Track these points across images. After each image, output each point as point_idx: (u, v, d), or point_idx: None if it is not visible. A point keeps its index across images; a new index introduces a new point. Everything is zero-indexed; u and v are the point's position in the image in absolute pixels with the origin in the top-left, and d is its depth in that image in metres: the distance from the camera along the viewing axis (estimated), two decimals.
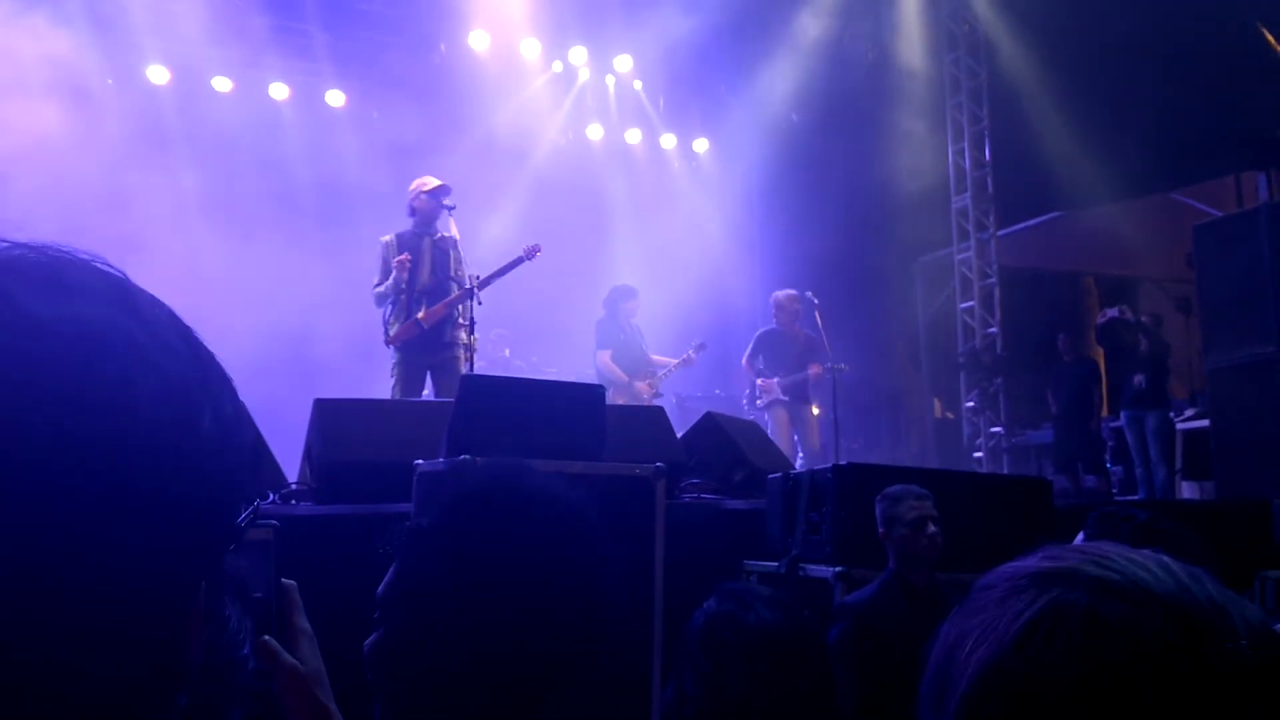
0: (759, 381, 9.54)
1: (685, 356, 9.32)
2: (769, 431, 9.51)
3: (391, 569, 1.35)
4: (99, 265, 0.62)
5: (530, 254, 7.44)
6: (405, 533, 1.37)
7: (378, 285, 7.37)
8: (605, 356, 9.14)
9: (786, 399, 9.32)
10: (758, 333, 9.84)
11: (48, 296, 0.57)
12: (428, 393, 7.43)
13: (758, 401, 9.59)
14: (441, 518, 1.35)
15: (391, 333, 7.25)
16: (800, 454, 9.25)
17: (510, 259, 7.42)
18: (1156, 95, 10.09)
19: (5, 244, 0.60)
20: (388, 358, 7.46)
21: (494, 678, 1.27)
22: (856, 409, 10.37)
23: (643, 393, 8.91)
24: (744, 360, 9.87)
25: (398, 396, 7.20)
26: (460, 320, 7.23)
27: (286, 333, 10.04)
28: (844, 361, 9.44)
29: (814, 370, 9.29)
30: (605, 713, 1.41)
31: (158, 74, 11.09)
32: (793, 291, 9.62)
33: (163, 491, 0.57)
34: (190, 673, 0.62)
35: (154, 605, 0.58)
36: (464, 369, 7.14)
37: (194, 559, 0.61)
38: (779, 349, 9.51)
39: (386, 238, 7.47)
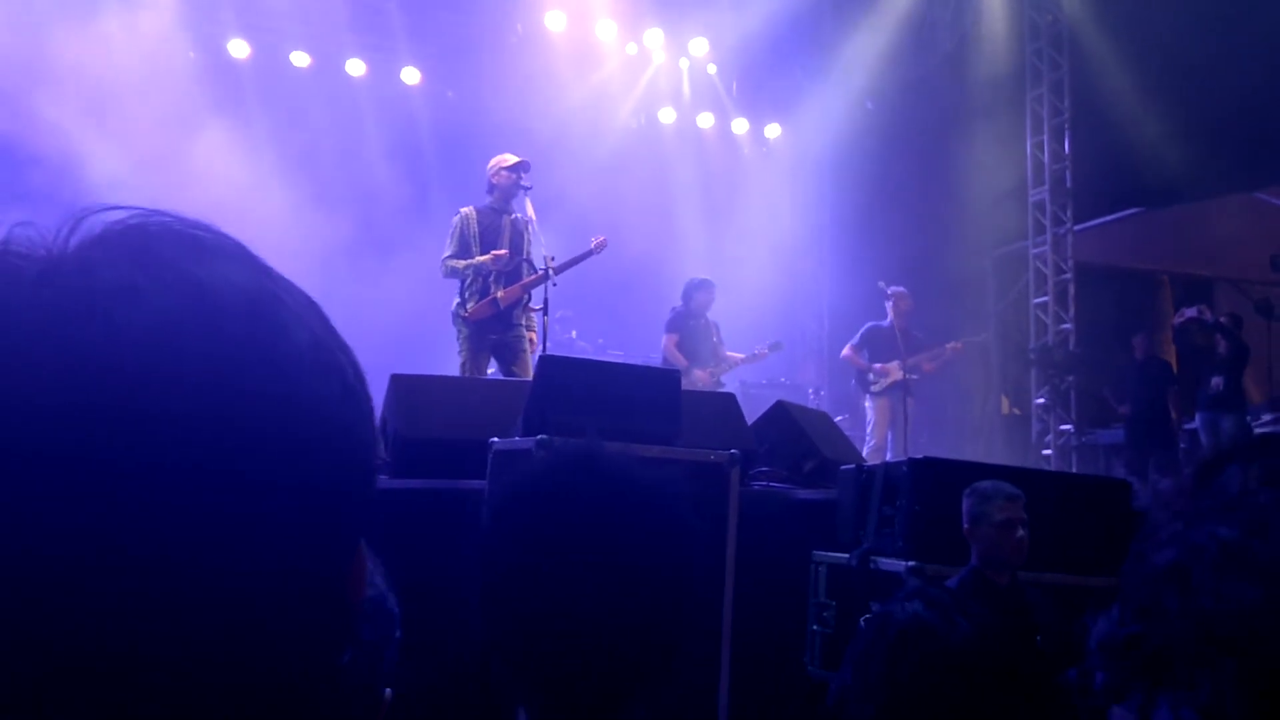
0: (877, 366, 9.54)
1: (754, 353, 9.34)
2: (868, 421, 9.58)
3: (481, 542, 1.37)
4: (224, 232, 0.63)
5: (599, 248, 7.58)
6: (489, 509, 1.38)
7: (450, 257, 7.42)
8: (670, 341, 9.18)
9: (900, 380, 9.31)
10: (866, 326, 9.84)
11: (203, 261, 0.58)
12: (493, 370, 7.52)
13: (872, 387, 9.60)
14: (527, 496, 1.36)
15: (469, 309, 7.31)
16: (889, 451, 9.25)
17: (581, 251, 7.55)
18: (1243, 91, 9.83)
19: (145, 212, 0.61)
20: (454, 332, 7.53)
21: (589, 658, 1.28)
22: (924, 402, 10.27)
23: (700, 381, 8.92)
24: (848, 350, 9.89)
25: (466, 371, 7.30)
26: (530, 305, 7.33)
27: (359, 307, 10.14)
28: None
29: (953, 346, 9.57)
30: (676, 697, 1.41)
31: (238, 48, 11.25)
32: (903, 288, 9.64)
33: (330, 443, 0.59)
34: (355, 629, 0.64)
35: (327, 560, 0.59)
36: (535, 350, 7.21)
37: (355, 512, 0.62)
38: (887, 344, 9.51)
39: (466, 210, 7.53)
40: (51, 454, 0.51)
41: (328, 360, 0.60)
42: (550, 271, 7.11)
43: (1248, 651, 0.43)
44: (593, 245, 7.62)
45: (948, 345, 9.59)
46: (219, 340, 0.55)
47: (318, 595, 0.59)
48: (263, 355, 0.56)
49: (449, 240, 7.48)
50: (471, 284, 7.38)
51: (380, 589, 1.01)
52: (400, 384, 4.86)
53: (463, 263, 7.36)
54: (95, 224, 0.59)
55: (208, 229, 0.62)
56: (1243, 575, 0.43)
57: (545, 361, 4.49)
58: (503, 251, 7.32)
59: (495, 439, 4.17)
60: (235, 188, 10.32)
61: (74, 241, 0.57)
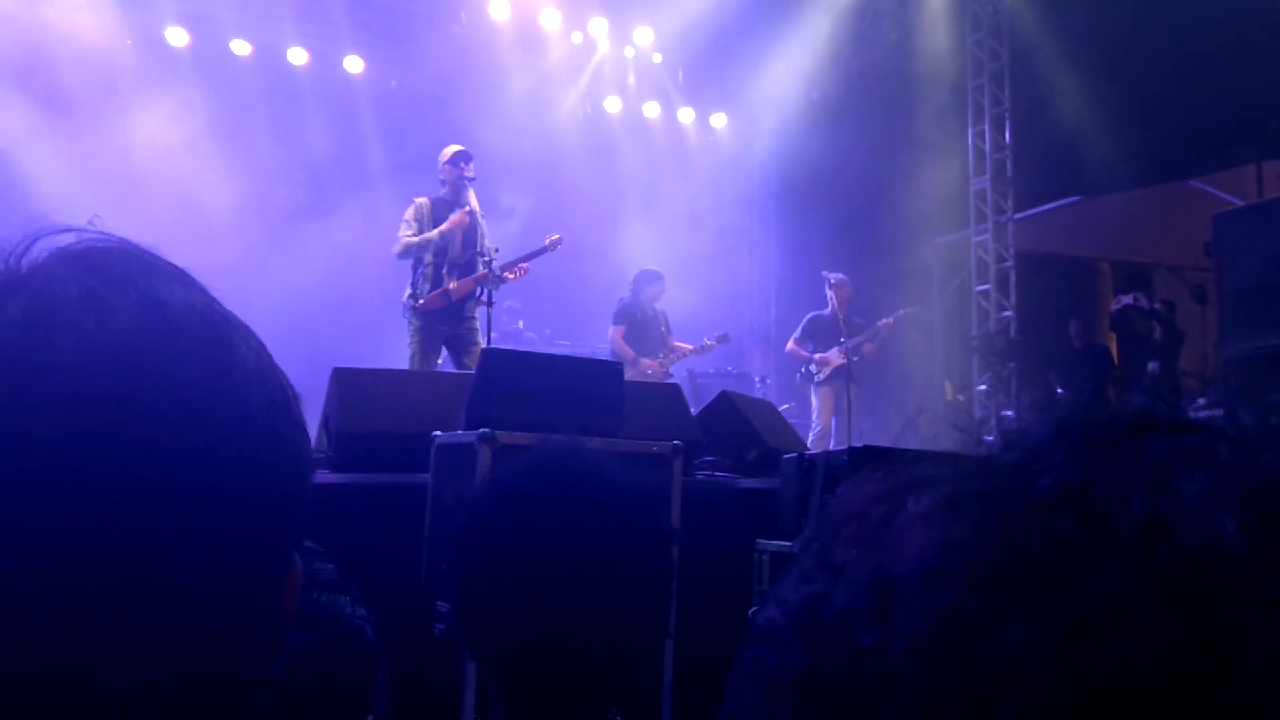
0: (817, 356, 9.62)
1: (703, 344, 9.37)
2: (814, 410, 9.64)
3: (458, 539, 1.37)
4: (167, 259, 0.65)
5: (553, 246, 7.61)
6: (471, 506, 1.38)
7: (407, 236, 7.36)
8: (617, 332, 9.19)
9: (843, 367, 9.38)
10: (807, 316, 9.92)
11: (159, 281, 0.60)
12: (443, 361, 7.49)
13: (815, 377, 9.68)
14: (509, 494, 1.36)
15: (422, 299, 7.28)
16: (834, 437, 9.33)
17: (535, 247, 7.57)
18: (1179, 82, 10.01)
19: (98, 234, 0.62)
20: (405, 324, 7.48)
21: (567, 656, 1.28)
22: (868, 389, 10.37)
23: (649, 371, 8.95)
24: (791, 343, 9.97)
25: (416, 364, 7.26)
26: (481, 298, 7.33)
27: (303, 298, 10.05)
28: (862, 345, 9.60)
29: (887, 322, 9.64)
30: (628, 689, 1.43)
31: (176, 36, 11.07)
32: (844, 276, 9.70)
33: (276, 458, 0.62)
34: (285, 637, 0.66)
35: (265, 568, 0.62)
36: (481, 342, 7.20)
37: (293, 523, 0.64)
38: (829, 332, 9.59)
39: (420, 200, 7.51)
40: (16, 460, 0.51)
41: (273, 380, 0.63)
42: (496, 267, 7.13)
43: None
44: (547, 243, 7.65)
45: (879, 323, 9.69)
46: (181, 356, 0.57)
47: (254, 602, 0.61)
48: (218, 373, 0.59)
49: (404, 224, 7.42)
50: (424, 275, 7.34)
51: (350, 621, 1.02)
52: (342, 378, 4.83)
53: (420, 237, 7.30)
54: (52, 242, 0.60)
55: (156, 254, 0.63)
56: (800, 637, 0.45)
57: (487, 355, 4.48)
58: (463, 215, 7.29)
59: (438, 432, 4.17)
60: (174, 177, 10.17)
61: (32, 257, 0.59)
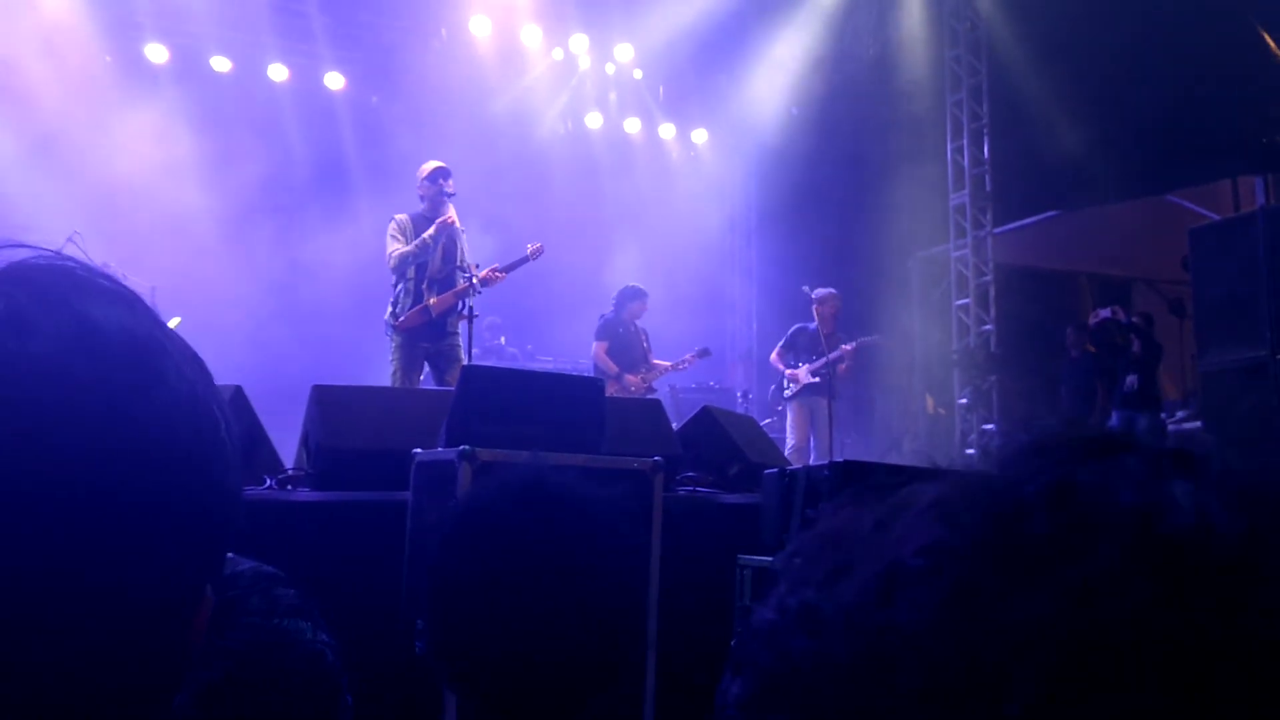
0: (787, 371, 9.64)
1: (683, 360, 9.40)
2: (788, 425, 9.65)
3: (431, 563, 1.36)
4: (106, 273, 0.64)
5: (535, 255, 7.60)
6: (441, 530, 1.38)
7: (400, 247, 7.34)
8: (600, 348, 9.22)
9: (816, 383, 9.37)
10: (792, 328, 9.92)
11: (98, 304, 0.59)
12: (424, 378, 7.46)
13: (785, 392, 9.69)
14: (479, 517, 1.36)
15: (402, 317, 7.25)
16: (812, 452, 9.32)
17: (516, 257, 7.55)
18: (1155, 97, 10.11)
19: (51, 254, 0.62)
20: (386, 340, 7.45)
21: (541, 675, 1.28)
22: (849, 404, 10.39)
23: (633, 386, 8.96)
24: (774, 354, 9.98)
25: (397, 381, 7.22)
26: (463, 312, 7.31)
27: (283, 314, 10.02)
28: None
29: (847, 348, 9.56)
30: (603, 704, 1.42)
31: (156, 52, 11.04)
32: (833, 290, 9.69)
33: (195, 491, 0.60)
34: (184, 671, 0.64)
35: (172, 605, 0.60)
36: (463, 358, 7.18)
37: (208, 560, 0.63)
38: (810, 346, 9.60)
39: (400, 216, 7.48)
40: None
41: (204, 412, 0.61)
42: (476, 281, 7.11)
43: (797, 707, 0.44)
44: (529, 252, 7.64)
45: (842, 347, 9.64)
46: (103, 380, 0.56)
47: (159, 634, 0.59)
48: (142, 399, 0.57)
49: (391, 239, 7.38)
50: (404, 291, 7.31)
51: (311, 646, 1.01)
52: (322, 395, 4.81)
53: (412, 245, 7.26)
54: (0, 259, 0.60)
55: (108, 277, 0.63)
56: (804, 631, 0.45)
57: (468, 371, 4.48)
58: (448, 217, 7.28)
59: (418, 449, 4.15)
60: (154, 194, 10.12)
61: None
